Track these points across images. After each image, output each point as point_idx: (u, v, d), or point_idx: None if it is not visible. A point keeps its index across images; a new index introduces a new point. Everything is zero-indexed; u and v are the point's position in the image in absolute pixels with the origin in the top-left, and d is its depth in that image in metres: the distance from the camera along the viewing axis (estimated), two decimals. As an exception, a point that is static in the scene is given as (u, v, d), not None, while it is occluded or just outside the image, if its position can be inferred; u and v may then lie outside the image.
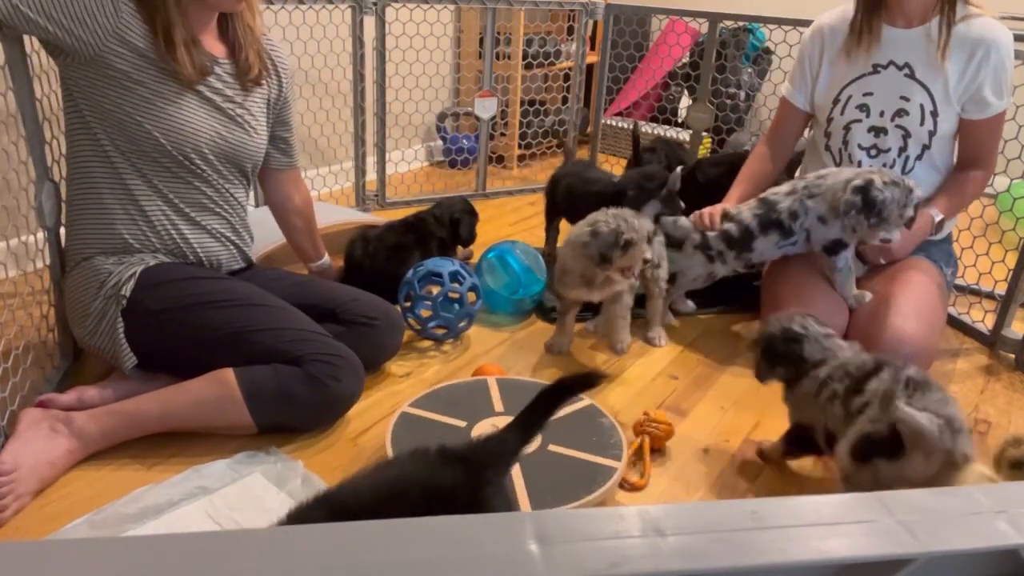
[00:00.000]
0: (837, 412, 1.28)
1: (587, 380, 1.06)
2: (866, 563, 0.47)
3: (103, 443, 1.40)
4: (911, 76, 1.85)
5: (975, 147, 1.88)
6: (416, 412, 1.48)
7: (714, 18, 2.95)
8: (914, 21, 1.83)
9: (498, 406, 1.52)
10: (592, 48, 3.48)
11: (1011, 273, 1.96)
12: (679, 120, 3.69)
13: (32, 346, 1.56)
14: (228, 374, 1.42)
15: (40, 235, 1.58)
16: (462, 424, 1.45)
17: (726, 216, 1.95)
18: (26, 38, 1.54)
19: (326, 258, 1.94)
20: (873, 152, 1.91)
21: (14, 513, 1.25)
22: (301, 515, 0.95)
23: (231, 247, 1.66)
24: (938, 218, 1.86)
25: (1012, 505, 0.49)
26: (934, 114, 1.85)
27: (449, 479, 0.97)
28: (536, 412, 1.06)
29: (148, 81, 1.44)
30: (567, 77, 3.42)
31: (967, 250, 2.16)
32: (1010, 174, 2.15)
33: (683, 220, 2.02)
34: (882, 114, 1.88)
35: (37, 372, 1.55)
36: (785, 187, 1.91)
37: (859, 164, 1.91)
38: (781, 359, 1.39)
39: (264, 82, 1.63)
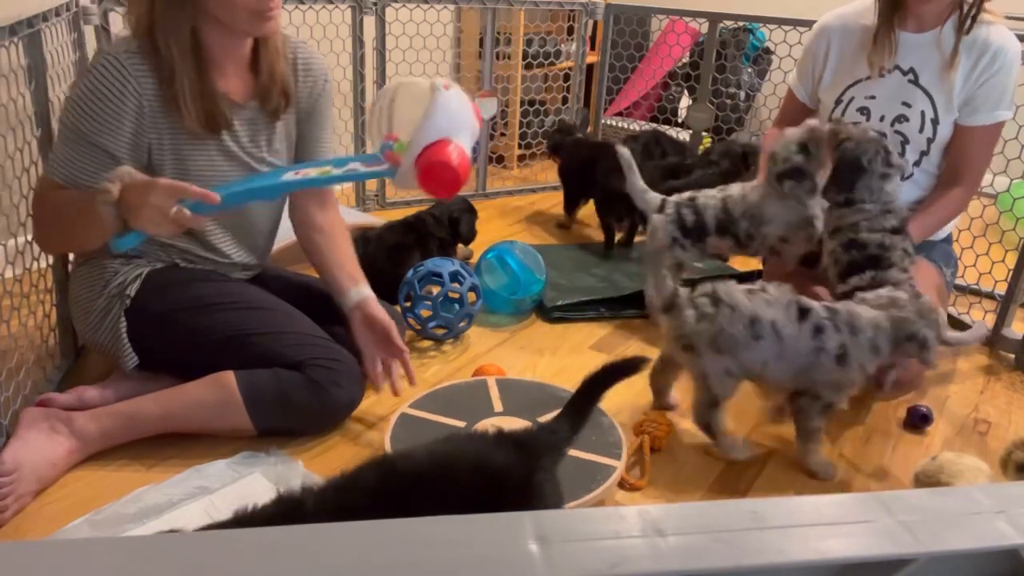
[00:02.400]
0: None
1: (630, 365, 1.09)
2: (866, 563, 0.47)
3: (103, 444, 1.40)
4: (915, 82, 1.83)
5: (960, 156, 1.83)
6: (415, 413, 1.48)
7: (714, 18, 2.95)
8: (926, 26, 1.81)
9: (498, 406, 1.52)
10: (592, 48, 3.48)
11: (1011, 273, 1.96)
12: (679, 120, 3.69)
13: (34, 346, 1.56)
14: (228, 377, 1.42)
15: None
16: (461, 425, 1.45)
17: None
18: (45, 39, 1.56)
19: (363, 289, 1.59)
20: None
21: (14, 513, 1.25)
22: (355, 476, 0.99)
23: (242, 269, 1.64)
24: None
25: (1012, 505, 0.49)
26: (935, 121, 1.83)
27: (503, 460, 0.98)
28: (584, 401, 1.09)
29: (173, 138, 1.41)
30: (567, 77, 3.42)
31: (967, 250, 2.16)
32: (1010, 174, 2.15)
33: (651, 194, 1.98)
34: (882, 119, 1.87)
35: (38, 372, 1.55)
36: (739, 206, 1.85)
37: None
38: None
39: (288, 110, 1.56)
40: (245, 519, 0.93)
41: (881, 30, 1.82)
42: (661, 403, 1.66)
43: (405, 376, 1.57)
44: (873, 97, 1.87)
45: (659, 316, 1.49)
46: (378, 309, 1.56)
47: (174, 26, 1.33)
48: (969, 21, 1.75)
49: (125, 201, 1.20)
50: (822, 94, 1.98)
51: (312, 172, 1.26)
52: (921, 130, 1.84)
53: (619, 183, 2.56)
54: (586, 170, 2.67)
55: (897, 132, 1.86)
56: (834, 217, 1.72)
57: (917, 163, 1.88)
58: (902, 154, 1.87)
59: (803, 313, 1.41)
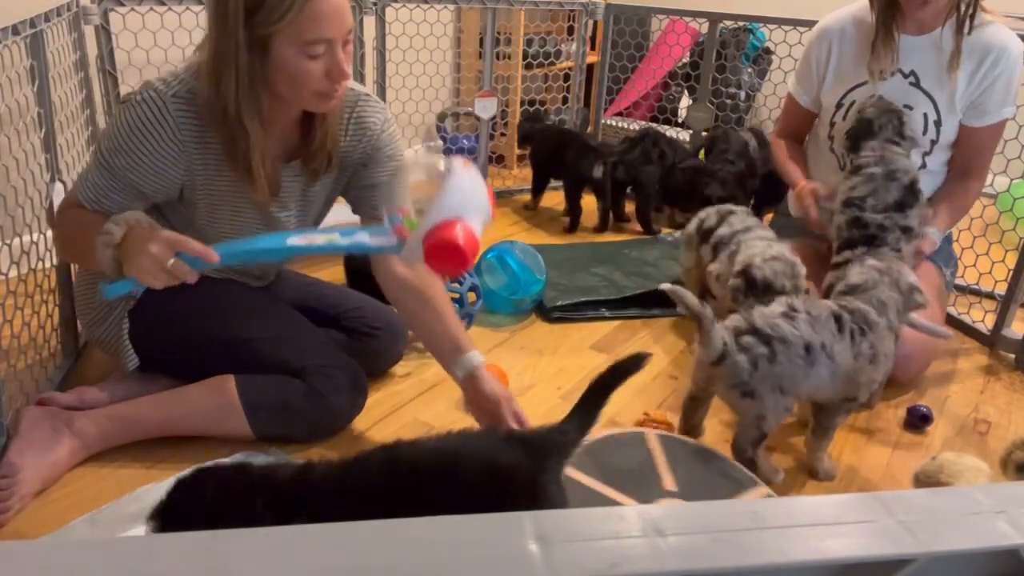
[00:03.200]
0: None
1: (633, 364, 1.12)
2: (866, 563, 0.47)
3: (103, 445, 1.40)
4: (916, 85, 1.83)
5: (970, 154, 1.85)
6: (574, 475, 1.28)
7: (714, 18, 2.95)
8: (925, 28, 1.81)
9: (668, 480, 1.31)
10: (592, 48, 3.48)
11: (1011, 273, 1.96)
12: (679, 120, 3.69)
13: (36, 345, 1.56)
14: (228, 382, 1.42)
15: (49, 234, 1.60)
16: (631, 502, 1.25)
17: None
18: (47, 40, 1.56)
19: (471, 358, 1.40)
20: None
21: (16, 513, 1.25)
22: (361, 457, 1.03)
23: (258, 287, 1.63)
24: (940, 239, 1.80)
25: (1012, 505, 0.49)
26: (938, 123, 1.83)
27: (511, 459, 1.00)
28: (591, 402, 1.11)
29: (208, 181, 1.38)
30: (567, 77, 3.41)
31: (967, 250, 2.16)
32: (1010, 174, 2.15)
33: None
34: None
35: (40, 371, 1.55)
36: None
37: None
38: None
39: (330, 171, 1.48)
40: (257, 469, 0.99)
41: (880, 38, 1.82)
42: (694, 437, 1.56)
43: None
44: None
45: (705, 368, 1.40)
46: (488, 383, 1.39)
47: (255, 104, 1.28)
48: (968, 22, 1.75)
49: (125, 246, 1.18)
50: (823, 97, 1.97)
51: (318, 239, 1.23)
52: (924, 132, 1.84)
53: (585, 167, 2.63)
54: (555, 156, 2.78)
55: None
56: (845, 187, 1.74)
57: (921, 166, 1.88)
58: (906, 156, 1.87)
59: (838, 321, 1.40)
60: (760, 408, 1.37)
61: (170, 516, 0.93)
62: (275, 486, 0.95)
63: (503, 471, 0.98)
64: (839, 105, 1.92)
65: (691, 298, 1.36)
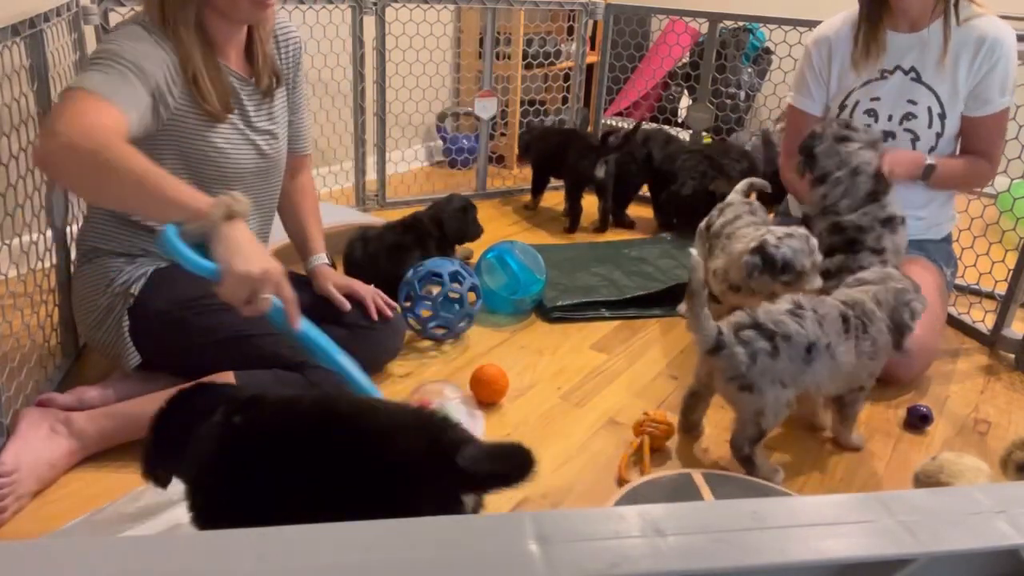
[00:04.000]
0: None
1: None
2: (866, 563, 0.47)
3: (102, 444, 1.39)
4: (918, 80, 1.85)
5: (976, 141, 1.88)
6: None
7: (714, 18, 2.95)
8: (918, 25, 1.83)
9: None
10: (592, 48, 3.48)
11: (1011, 273, 1.96)
12: (679, 120, 3.69)
13: (36, 345, 1.56)
14: (228, 378, 1.42)
15: (48, 234, 1.59)
16: None
17: None
18: (47, 40, 1.57)
19: (323, 257, 1.74)
20: None
21: (13, 514, 1.25)
22: (306, 395, 1.15)
23: None
24: (928, 160, 1.83)
25: (1012, 505, 0.49)
26: (942, 116, 1.85)
27: (408, 446, 0.93)
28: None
29: (197, 121, 1.45)
30: (567, 77, 3.41)
31: (967, 250, 2.16)
32: (1010, 174, 2.15)
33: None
34: (890, 118, 1.88)
35: (39, 371, 1.55)
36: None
37: None
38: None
39: (279, 87, 1.62)
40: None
41: (865, 32, 1.86)
42: (692, 436, 1.58)
43: None
44: (878, 99, 1.88)
45: (705, 358, 1.42)
46: (327, 278, 1.69)
47: (183, 15, 1.38)
48: (955, 13, 1.78)
49: (239, 236, 1.15)
50: (830, 101, 1.98)
51: (358, 375, 1.30)
52: (930, 126, 1.86)
53: (587, 167, 2.63)
54: (556, 155, 2.78)
55: (907, 130, 1.88)
56: (817, 196, 1.76)
57: None
58: (912, 151, 1.88)
59: (845, 322, 1.41)
60: (759, 403, 1.37)
61: (163, 416, 1.05)
62: (239, 400, 1.03)
63: (391, 454, 0.93)
64: (842, 107, 1.93)
65: (699, 274, 1.33)
